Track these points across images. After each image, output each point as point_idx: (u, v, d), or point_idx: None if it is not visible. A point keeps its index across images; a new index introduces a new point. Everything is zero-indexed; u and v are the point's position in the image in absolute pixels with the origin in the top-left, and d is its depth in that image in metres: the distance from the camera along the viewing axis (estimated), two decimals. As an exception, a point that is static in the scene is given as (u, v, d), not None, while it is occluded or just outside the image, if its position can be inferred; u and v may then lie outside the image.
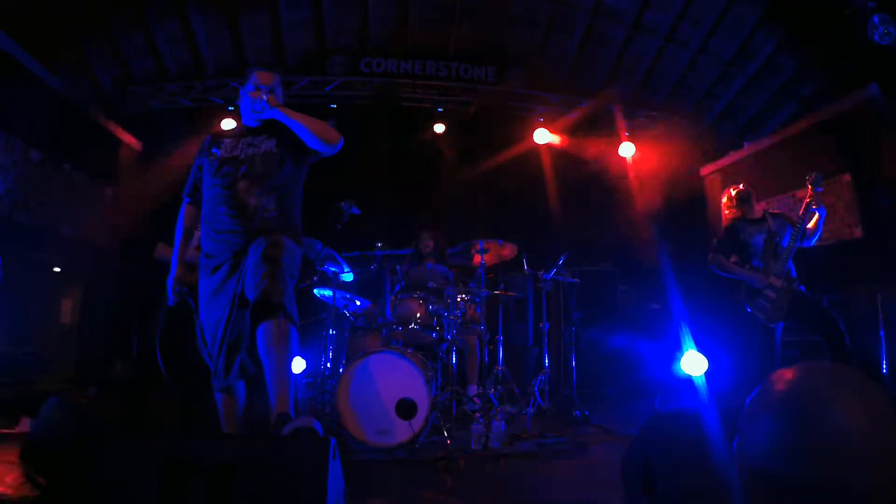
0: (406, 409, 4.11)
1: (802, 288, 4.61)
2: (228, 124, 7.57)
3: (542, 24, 8.22)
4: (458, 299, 5.15)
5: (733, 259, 4.83)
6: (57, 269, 7.05)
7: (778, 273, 4.57)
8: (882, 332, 5.60)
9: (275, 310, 2.67)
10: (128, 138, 8.18)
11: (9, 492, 2.45)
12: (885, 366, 5.41)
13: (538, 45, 8.54)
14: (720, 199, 5.21)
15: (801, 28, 7.24)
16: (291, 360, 2.67)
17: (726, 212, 5.09)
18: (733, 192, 5.05)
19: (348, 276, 5.42)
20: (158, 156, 8.27)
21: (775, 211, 4.98)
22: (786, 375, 1.02)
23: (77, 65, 7.15)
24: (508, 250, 5.40)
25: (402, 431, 4.10)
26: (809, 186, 4.56)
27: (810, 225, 4.63)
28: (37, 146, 6.30)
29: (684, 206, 8.73)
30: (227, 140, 3.32)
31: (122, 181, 8.09)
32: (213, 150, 3.29)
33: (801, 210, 4.61)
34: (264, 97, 3.18)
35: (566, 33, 8.31)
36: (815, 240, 4.69)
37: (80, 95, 7.09)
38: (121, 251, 7.51)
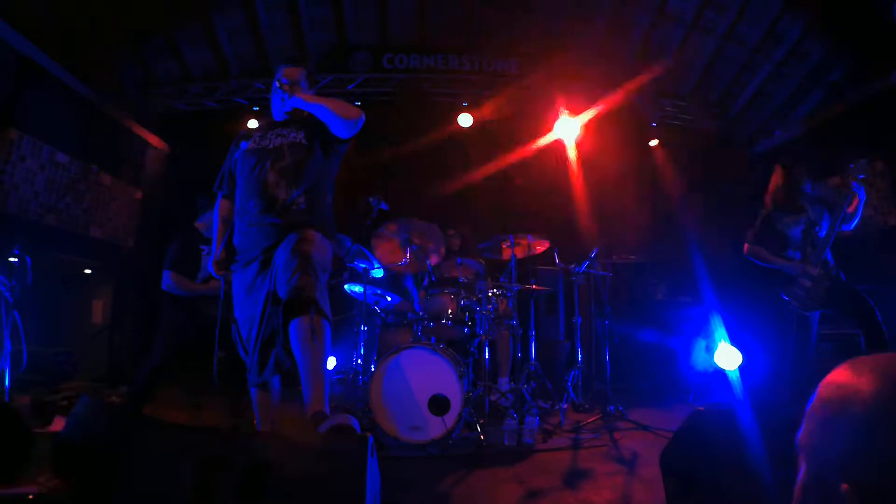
0: (439, 405, 4.08)
1: (842, 276, 4.49)
2: (254, 124, 7.58)
3: (564, 14, 8.12)
4: (490, 294, 5.09)
5: (770, 248, 4.73)
6: (87, 271, 7.11)
7: (814, 262, 4.46)
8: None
9: (307, 304, 2.64)
10: (154, 140, 8.26)
11: (42, 490, 2.44)
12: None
13: (561, 36, 8.43)
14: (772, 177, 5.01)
15: (828, 12, 7.09)
16: (326, 356, 2.64)
17: (772, 195, 4.92)
18: (783, 175, 4.88)
19: (378, 272, 5.39)
20: (185, 157, 8.33)
21: (814, 195, 4.81)
22: (865, 371, 0.93)
23: (101, 68, 7.18)
24: (539, 244, 5.34)
25: (435, 428, 4.08)
26: (852, 174, 4.43)
27: (850, 209, 4.49)
28: (64, 149, 6.35)
29: (713, 196, 8.60)
30: (256, 134, 3.36)
31: (149, 182, 8.14)
32: (242, 144, 3.34)
33: (842, 196, 4.48)
34: (282, 88, 3.25)
35: (589, 23, 8.20)
36: (854, 223, 4.55)
37: (105, 98, 7.13)
38: (149, 252, 7.54)
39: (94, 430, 2.32)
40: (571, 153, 8.88)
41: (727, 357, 5.23)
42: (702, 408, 2.57)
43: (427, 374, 4.20)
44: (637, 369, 6.95)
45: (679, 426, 2.41)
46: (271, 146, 3.21)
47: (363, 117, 3.25)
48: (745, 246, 4.82)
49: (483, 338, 4.84)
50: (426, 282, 5.54)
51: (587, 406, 5.45)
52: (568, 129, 8.62)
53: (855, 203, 4.48)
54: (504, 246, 5.23)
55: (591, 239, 5.90)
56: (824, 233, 4.52)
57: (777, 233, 4.70)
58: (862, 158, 4.44)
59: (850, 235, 4.69)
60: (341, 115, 3.16)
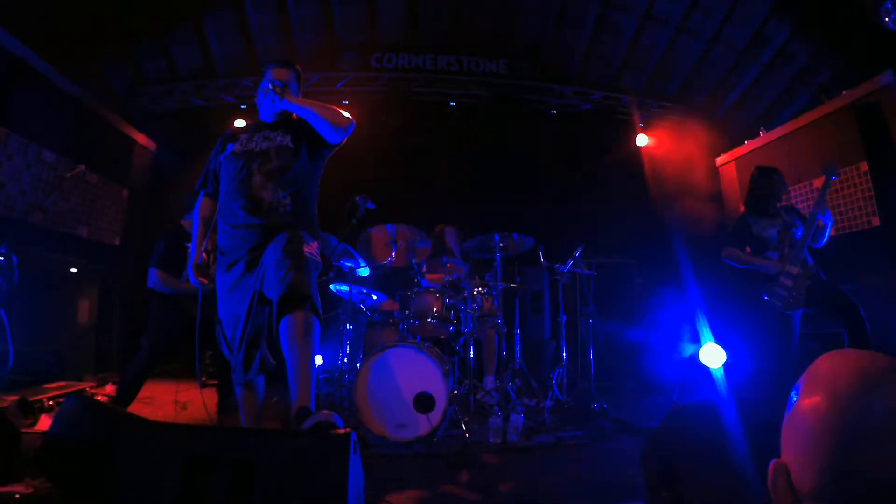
0: (424, 403, 4.11)
1: (822, 275, 4.56)
2: (240, 124, 7.58)
3: (552, 15, 8.17)
4: (475, 293, 5.12)
5: (748, 250, 4.79)
6: (74, 270, 7.09)
7: (793, 261, 4.51)
8: (900, 322, 5.52)
9: (302, 301, 2.67)
10: (141, 139, 8.22)
11: (29, 490, 2.46)
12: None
13: (549, 37, 8.49)
14: (749, 180, 5.10)
15: (815, 15, 7.17)
16: (314, 354, 2.66)
17: (748, 197, 5.01)
18: (759, 178, 4.97)
19: (364, 271, 5.41)
20: (172, 155, 8.32)
21: (787, 205, 4.90)
22: (834, 370, 0.96)
23: (90, 67, 7.17)
24: (525, 243, 5.36)
25: (421, 425, 4.11)
26: (824, 177, 4.53)
27: (819, 224, 4.57)
28: (51, 148, 6.33)
29: (700, 196, 8.66)
30: (242, 135, 3.33)
31: (136, 181, 8.12)
32: (229, 146, 3.31)
33: (813, 204, 4.58)
34: (274, 90, 3.22)
35: (577, 24, 8.25)
36: (823, 242, 4.64)
37: (93, 97, 7.11)
38: (136, 250, 7.52)
39: (82, 429, 2.34)
40: (560, 153, 8.94)
41: (712, 355, 5.28)
42: (682, 404, 2.61)
43: (412, 372, 4.22)
44: (621, 368, 6.99)
45: (660, 422, 2.45)
46: (258, 149, 3.20)
47: (353, 123, 3.26)
48: (723, 250, 4.88)
49: (468, 336, 4.88)
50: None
51: (572, 404, 5.48)
52: (556, 130, 8.68)
53: (820, 224, 4.57)
54: (489, 244, 5.25)
55: (576, 238, 5.92)
56: (800, 234, 4.58)
57: (752, 235, 4.77)
58: (832, 163, 4.61)
59: (835, 235, 4.75)
60: (331, 122, 3.17)
